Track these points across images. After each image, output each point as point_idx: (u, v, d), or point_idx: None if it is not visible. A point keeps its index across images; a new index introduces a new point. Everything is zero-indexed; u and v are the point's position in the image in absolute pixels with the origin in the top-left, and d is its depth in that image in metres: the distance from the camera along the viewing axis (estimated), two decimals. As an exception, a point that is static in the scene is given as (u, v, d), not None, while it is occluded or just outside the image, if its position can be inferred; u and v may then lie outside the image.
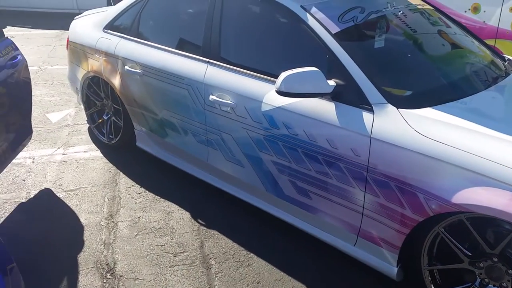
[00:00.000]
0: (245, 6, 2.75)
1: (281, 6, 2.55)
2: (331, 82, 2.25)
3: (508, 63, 2.84)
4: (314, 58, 2.38)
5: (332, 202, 2.38)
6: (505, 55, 3.06)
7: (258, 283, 2.45)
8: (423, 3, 3.07)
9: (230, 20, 2.78)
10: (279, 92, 2.24)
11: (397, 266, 2.23)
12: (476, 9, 4.42)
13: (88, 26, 3.85)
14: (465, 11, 4.48)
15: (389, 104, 2.16)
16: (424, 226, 2.05)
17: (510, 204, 1.77)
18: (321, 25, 2.40)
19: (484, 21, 4.39)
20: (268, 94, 2.50)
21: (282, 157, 2.52)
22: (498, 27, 4.30)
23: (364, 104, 2.20)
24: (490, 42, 4.37)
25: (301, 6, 2.50)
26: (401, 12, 2.76)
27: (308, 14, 2.45)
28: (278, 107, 2.46)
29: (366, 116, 2.18)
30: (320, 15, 2.45)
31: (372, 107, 2.17)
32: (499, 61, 2.82)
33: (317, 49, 2.38)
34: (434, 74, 2.52)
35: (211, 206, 3.09)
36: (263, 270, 2.53)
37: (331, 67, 2.32)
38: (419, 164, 2.00)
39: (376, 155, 2.12)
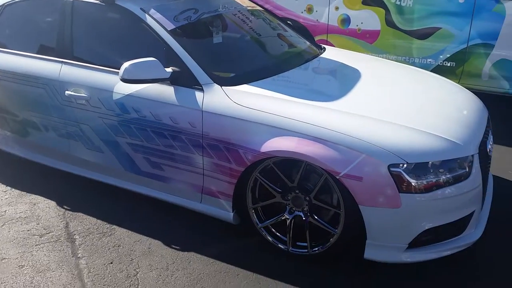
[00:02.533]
0: (92, 10, 3.12)
1: (123, 9, 2.98)
2: (168, 69, 2.74)
3: (323, 50, 3.59)
4: (154, 51, 2.84)
5: (180, 169, 2.85)
6: (322, 45, 3.82)
7: (119, 246, 2.82)
8: (253, 5, 3.75)
9: (80, 23, 3.13)
10: (123, 80, 2.67)
11: (233, 212, 2.77)
12: (310, 9, 5.26)
13: None
14: (302, 12, 5.29)
15: (215, 84, 2.71)
16: (245, 174, 2.62)
17: (297, 146, 2.42)
18: (158, 23, 2.88)
19: (317, 20, 5.24)
20: (118, 85, 2.90)
21: (135, 138, 2.93)
22: (328, 24, 5.19)
23: (196, 85, 2.72)
24: (323, 37, 5.25)
25: (141, 8, 2.96)
26: (230, 12, 3.38)
27: (147, 15, 2.93)
28: (127, 94, 2.87)
29: (198, 94, 2.70)
30: (157, 16, 2.93)
31: (202, 87, 2.71)
32: (312, 48, 3.56)
33: (156, 44, 2.85)
34: (253, 60, 3.18)
35: (76, 193, 3.37)
36: (124, 236, 2.91)
37: (168, 57, 2.81)
38: (237, 127, 2.57)
39: (207, 125, 2.65)
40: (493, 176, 3.52)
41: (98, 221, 3.07)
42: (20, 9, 3.42)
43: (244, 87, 2.72)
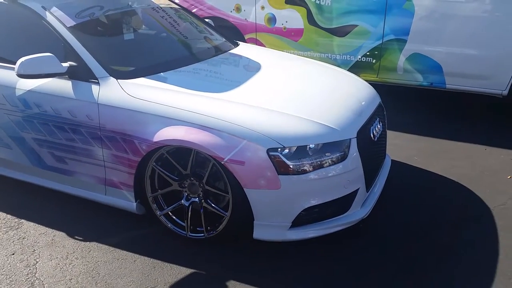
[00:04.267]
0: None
1: (25, 7, 3.05)
2: (65, 64, 2.82)
3: (234, 46, 3.73)
4: (53, 47, 2.91)
5: (82, 162, 2.93)
6: (239, 42, 3.97)
7: (23, 238, 2.88)
8: (168, 3, 3.87)
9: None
10: (19, 75, 2.74)
11: (135, 202, 2.87)
12: (238, 8, 5.39)
13: None
14: (231, 11, 5.42)
15: (111, 77, 2.81)
16: (143, 164, 2.73)
17: (185, 134, 2.54)
18: (58, 20, 2.96)
19: (246, 19, 5.38)
20: (20, 81, 2.96)
21: (39, 133, 2.99)
22: (256, 23, 5.34)
23: (92, 78, 2.81)
24: (252, 35, 5.39)
25: (42, 6, 3.03)
26: (139, 9, 3.49)
27: (47, 12, 3.00)
28: (28, 90, 2.94)
29: (94, 88, 2.79)
30: (58, 13, 3.01)
31: (98, 80, 2.80)
32: (224, 44, 3.70)
33: (55, 40, 2.93)
34: (156, 54, 3.30)
35: (-11, 190, 3.41)
36: (30, 229, 2.97)
37: (67, 53, 2.89)
38: (132, 118, 2.67)
39: (103, 117, 2.75)
40: (400, 162, 3.76)
41: (8, 215, 3.11)
42: None
43: (140, 80, 2.83)
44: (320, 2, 4.89)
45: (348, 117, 2.74)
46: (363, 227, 2.86)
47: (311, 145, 2.51)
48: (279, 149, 2.46)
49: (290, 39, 5.19)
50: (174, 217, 2.85)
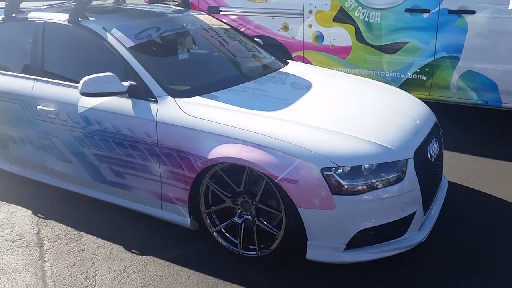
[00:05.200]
0: (61, 31, 3.38)
1: (88, 29, 3.23)
2: (126, 83, 2.94)
3: (284, 65, 3.78)
4: (114, 67, 3.06)
5: (139, 177, 3.03)
6: (287, 60, 4.02)
7: (83, 250, 2.99)
8: (220, 23, 3.98)
9: (50, 43, 3.39)
10: (82, 93, 2.89)
11: (189, 217, 2.93)
12: (285, 27, 5.47)
13: None
14: (278, 30, 5.52)
15: (168, 96, 2.91)
16: (197, 180, 2.79)
17: (239, 152, 2.58)
18: (118, 41, 3.11)
19: (293, 37, 5.45)
20: (82, 99, 3.11)
21: (99, 149, 3.13)
22: (303, 40, 5.40)
23: (151, 97, 2.92)
24: (299, 53, 5.45)
25: (103, 28, 3.20)
26: (193, 29, 3.61)
27: (108, 34, 3.16)
28: (90, 108, 3.08)
29: (153, 106, 2.90)
30: (118, 34, 3.16)
31: (156, 99, 2.91)
32: (274, 63, 3.76)
33: (115, 60, 3.08)
34: (210, 73, 3.39)
35: (51, 202, 3.57)
36: (89, 241, 3.08)
37: (127, 72, 3.02)
38: (188, 136, 2.75)
39: (161, 134, 2.84)
40: (456, 184, 3.64)
41: (68, 228, 3.25)
42: (-1, 31, 3.71)
43: (196, 99, 2.91)
44: (369, 20, 4.88)
45: (403, 137, 2.70)
46: (420, 251, 2.78)
47: (365, 165, 2.49)
48: (333, 169, 2.46)
49: (337, 56, 5.19)
50: (227, 234, 2.88)
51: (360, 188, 2.47)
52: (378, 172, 2.50)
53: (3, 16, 3.70)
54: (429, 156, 2.82)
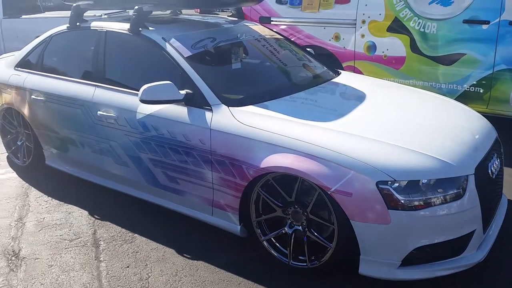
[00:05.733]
0: (122, 40, 3.52)
1: (148, 38, 3.35)
2: (182, 92, 3.02)
3: (336, 75, 3.76)
4: (171, 75, 3.15)
5: (192, 183, 3.10)
6: (339, 70, 4.00)
7: (137, 252, 3.08)
8: (272, 33, 4.01)
9: (111, 51, 3.54)
10: (141, 101, 2.99)
11: (240, 225, 2.95)
12: (337, 37, 5.44)
13: (1, 66, 4.46)
14: (330, 40, 5.49)
15: (223, 104, 2.96)
16: (249, 188, 2.81)
17: (292, 162, 2.58)
18: (176, 51, 3.20)
19: (344, 47, 5.41)
20: (140, 106, 3.22)
21: (155, 154, 3.22)
22: (355, 51, 5.34)
23: (206, 105, 2.99)
24: (350, 63, 5.40)
25: (162, 38, 3.30)
26: (247, 39, 3.66)
27: (167, 43, 3.26)
28: (147, 114, 3.19)
29: (207, 114, 2.96)
30: (176, 44, 3.26)
31: (211, 107, 2.97)
32: (326, 73, 3.74)
33: (173, 69, 3.17)
34: (263, 83, 3.43)
35: (106, 204, 3.70)
36: (143, 243, 3.17)
37: (183, 81, 3.10)
38: (240, 144, 2.79)
39: (215, 142, 2.89)
40: None
41: (123, 229, 3.36)
42: (64, 38, 3.90)
43: (250, 108, 2.94)
44: (424, 30, 4.76)
45: (463, 152, 2.61)
46: (478, 271, 2.67)
47: (423, 180, 2.42)
48: (389, 182, 2.41)
49: (390, 67, 5.10)
50: (277, 244, 2.88)
51: (416, 203, 2.40)
52: (436, 188, 2.43)
53: (68, 25, 3.90)
54: (490, 173, 2.71)
